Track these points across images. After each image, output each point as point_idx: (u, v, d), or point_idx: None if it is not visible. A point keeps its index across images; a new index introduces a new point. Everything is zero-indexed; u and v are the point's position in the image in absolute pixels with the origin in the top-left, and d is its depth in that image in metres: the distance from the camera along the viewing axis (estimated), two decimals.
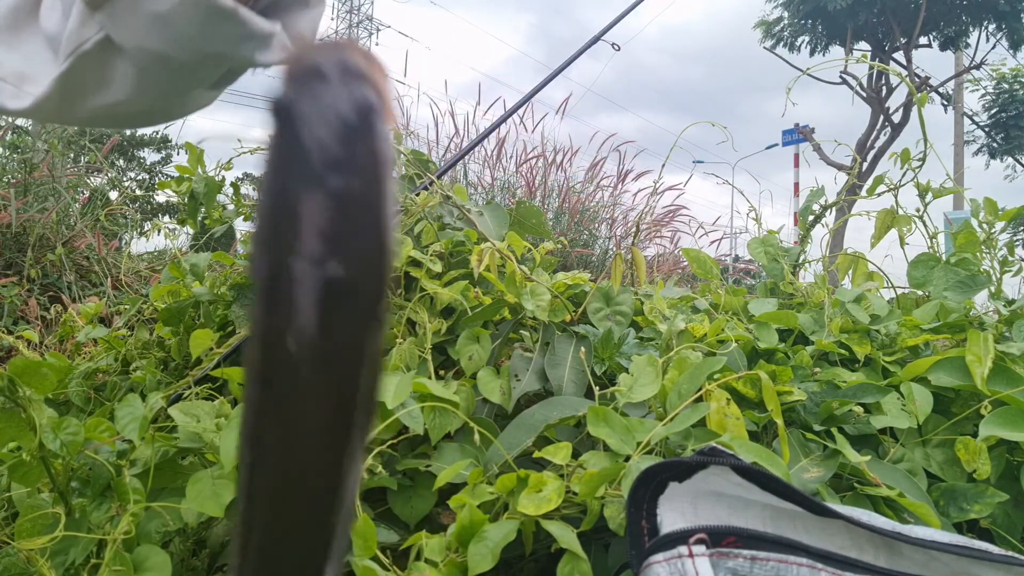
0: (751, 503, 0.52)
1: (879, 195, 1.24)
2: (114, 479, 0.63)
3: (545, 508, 0.64)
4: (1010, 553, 0.47)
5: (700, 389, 0.73)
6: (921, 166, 1.18)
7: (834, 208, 1.37)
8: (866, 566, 0.49)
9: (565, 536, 0.63)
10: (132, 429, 0.63)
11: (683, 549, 0.48)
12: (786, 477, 0.63)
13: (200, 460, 0.73)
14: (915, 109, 1.20)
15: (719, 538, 0.48)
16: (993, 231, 1.16)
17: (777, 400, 0.71)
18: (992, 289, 1.10)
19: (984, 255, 1.13)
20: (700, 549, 0.48)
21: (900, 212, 1.20)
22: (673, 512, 0.52)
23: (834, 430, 0.77)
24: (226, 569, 0.85)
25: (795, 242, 1.39)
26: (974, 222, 1.16)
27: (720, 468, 0.50)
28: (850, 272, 1.27)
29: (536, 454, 0.73)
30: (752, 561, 0.47)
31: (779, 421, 0.70)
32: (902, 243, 1.19)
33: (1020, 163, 14.81)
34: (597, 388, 0.81)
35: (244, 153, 1.16)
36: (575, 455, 0.73)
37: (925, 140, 1.17)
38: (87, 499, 0.65)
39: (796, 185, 15.72)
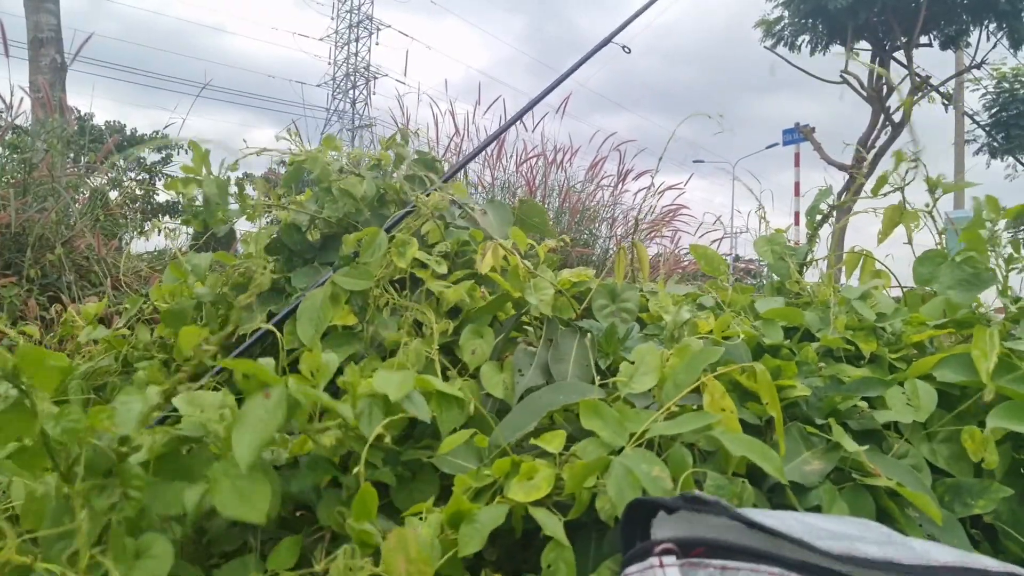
0: None
1: (884, 195, 1.24)
2: (116, 464, 0.63)
3: (534, 495, 0.65)
4: (1009, 566, 0.46)
5: (698, 380, 0.73)
6: (917, 165, 1.19)
7: (838, 208, 1.36)
8: None
9: (550, 524, 0.64)
10: (129, 423, 0.62)
11: (654, 560, 0.49)
12: (779, 472, 0.64)
13: (202, 451, 0.72)
14: (914, 109, 1.20)
15: (689, 548, 0.50)
16: (996, 229, 1.16)
17: (774, 391, 0.71)
18: (999, 287, 1.10)
19: (990, 253, 1.12)
20: (671, 559, 0.49)
21: (908, 208, 1.21)
22: (665, 525, 0.53)
23: (832, 422, 0.77)
24: (224, 556, 0.84)
25: (796, 242, 1.39)
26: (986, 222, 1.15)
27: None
28: (857, 270, 1.27)
29: (532, 440, 0.73)
30: (722, 571, 0.48)
31: (775, 413, 0.70)
32: (910, 239, 1.19)
33: (1021, 162, 14.81)
34: (599, 377, 0.81)
35: (250, 155, 1.15)
36: (578, 440, 0.73)
37: (916, 141, 1.18)
38: (89, 484, 0.64)
39: (797, 185, 15.74)
